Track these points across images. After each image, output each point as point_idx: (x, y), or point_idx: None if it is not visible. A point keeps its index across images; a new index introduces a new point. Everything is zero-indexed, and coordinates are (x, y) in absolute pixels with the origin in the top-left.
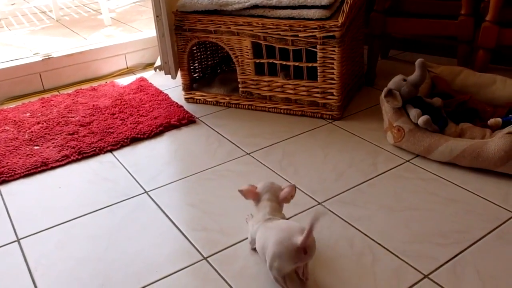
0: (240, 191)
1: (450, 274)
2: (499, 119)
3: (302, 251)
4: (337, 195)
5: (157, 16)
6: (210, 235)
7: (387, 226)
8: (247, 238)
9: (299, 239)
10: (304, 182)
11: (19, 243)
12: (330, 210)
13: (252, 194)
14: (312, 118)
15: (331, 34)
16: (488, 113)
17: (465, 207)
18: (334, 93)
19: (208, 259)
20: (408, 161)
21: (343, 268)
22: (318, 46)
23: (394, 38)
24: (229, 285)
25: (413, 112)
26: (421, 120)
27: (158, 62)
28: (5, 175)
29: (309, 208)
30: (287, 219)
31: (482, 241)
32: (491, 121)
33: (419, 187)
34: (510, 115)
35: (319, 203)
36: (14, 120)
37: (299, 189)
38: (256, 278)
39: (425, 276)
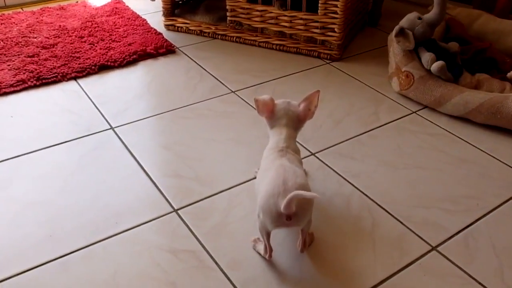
0: (256, 100)
1: (461, 246)
2: None
3: (284, 217)
4: (333, 145)
5: None
6: (183, 183)
7: (389, 186)
8: (226, 190)
9: (282, 203)
10: None
11: None
12: (324, 163)
13: (269, 110)
14: (308, 56)
15: None
16: (508, 65)
17: (478, 169)
18: (336, 29)
19: (179, 211)
20: (415, 112)
21: (338, 231)
22: None
23: None
24: (200, 243)
25: (426, 56)
26: (435, 66)
27: None
28: None
29: (302, 158)
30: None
31: (498, 210)
32: (511, 73)
33: (426, 142)
34: None
35: (312, 154)
36: None
37: None
38: (233, 237)
39: (433, 248)
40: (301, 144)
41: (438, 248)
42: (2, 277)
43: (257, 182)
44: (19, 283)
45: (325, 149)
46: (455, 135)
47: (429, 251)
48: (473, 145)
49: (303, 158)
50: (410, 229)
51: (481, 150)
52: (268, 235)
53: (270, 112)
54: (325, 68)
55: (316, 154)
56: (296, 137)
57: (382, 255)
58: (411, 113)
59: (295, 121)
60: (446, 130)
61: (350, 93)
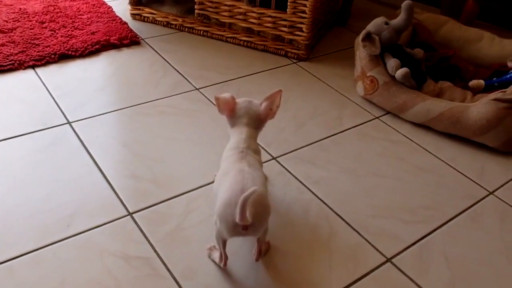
0: (217, 98)
1: (415, 258)
2: (482, 81)
3: (240, 227)
4: (295, 150)
5: None
6: (140, 184)
7: (348, 194)
8: (184, 193)
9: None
10: None
11: None
12: (285, 168)
13: (229, 108)
14: (275, 55)
15: None
16: (470, 73)
17: (437, 178)
18: (304, 29)
19: (133, 215)
20: (378, 117)
21: (294, 239)
22: None
23: None
24: (154, 250)
25: (391, 62)
26: (400, 72)
27: None
28: None
29: (263, 162)
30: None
31: (453, 221)
32: (473, 82)
33: (388, 150)
34: (494, 78)
35: (274, 158)
36: None
37: None
38: (188, 244)
39: (388, 260)
40: (262, 147)
41: (393, 260)
42: None
43: (215, 186)
44: None
45: (286, 153)
46: (416, 143)
47: (383, 263)
48: (433, 154)
49: (264, 163)
50: (367, 240)
51: (440, 159)
52: (224, 243)
53: (230, 111)
54: (292, 68)
55: (277, 159)
56: (257, 137)
57: (338, 265)
58: (374, 119)
59: (256, 121)
60: (407, 138)
61: (315, 96)
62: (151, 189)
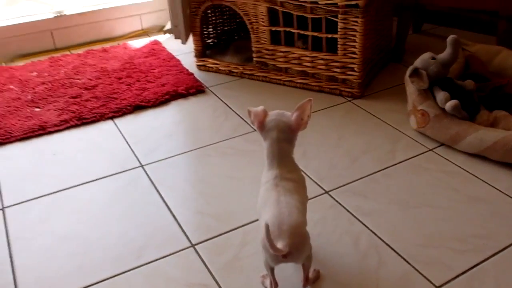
0: (249, 111)
1: (465, 287)
2: None
3: (280, 256)
4: (347, 184)
5: None
6: (202, 219)
7: (399, 224)
8: (241, 227)
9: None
10: (312, 166)
11: (3, 212)
12: (336, 201)
13: (259, 120)
14: (330, 94)
15: (354, 2)
16: None
17: (491, 208)
18: (355, 69)
19: (196, 246)
20: (431, 149)
21: (343, 268)
22: (339, 16)
23: (428, 10)
24: (214, 278)
25: (440, 95)
26: (449, 105)
27: (168, 25)
28: (1, 137)
29: (315, 197)
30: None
31: (507, 250)
32: None
33: (441, 181)
34: None
35: (326, 192)
36: (20, 79)
37: (306, 174)
38: (245, 273)
39: None
40: (315, 182)
41: None
42: None
43: (258, 210)
44: None
45: (338, 187)
46: (470, 173)
47: None
48: (488, 183)
49: (316, 197)
50: (416, 268)
51: (496, 188)
52: (272, 270)
53: (260, 123)
54: (346, 106)
55: (329, 192)
56: (292, 152)
57: None
58: (428, 151)
59: (287, 132)
60: (462, 168)
61: (368, 131)
62: (212, 223)
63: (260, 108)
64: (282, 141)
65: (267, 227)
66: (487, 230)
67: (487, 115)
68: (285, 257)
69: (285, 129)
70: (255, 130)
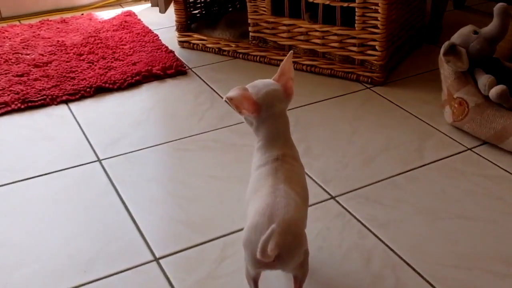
0: (229, 99)
1: None
2: None
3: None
4: (359, 188)
5: None
6: (171, 227)
7: (423, 239)
8: (220, 237)
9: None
10: (317, 165)
11: None
12: (345, 208)
13: (250, 103)
14: (345, 80)
15: None
16: None
17: None
18: (377, 47)
19: (160, 260)
20: (470, 149)
21: None
22: None
23: None
24: None
25: (483, 79)
26: (495, 91)
27: None
28: None
29: (318, 203)
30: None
31: None
32: None
33: (480, 187)
34: None
35: (332, 197)
36: None
37: (308, 175)
38: None
39: None
40: (319, 185)
41: None
42: None
43: (247, 200)
44: None
45: (348, 192)
46: None
47: None
48: None
49: (320, 202)
50: None
51: None
52: (255, 283)
53: (254, 105)
54: (363, 93)
55: (336, 198)
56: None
57: None
58: (465, 150)
59: (285, 101)
60: (508, 172)
61: (390, 125)
62: (183, 232)
63: (239, 88)
64: (284, 114)
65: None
66: None
67: None
68: (273, 260)
69: (282, 98)
70: (245, 121)
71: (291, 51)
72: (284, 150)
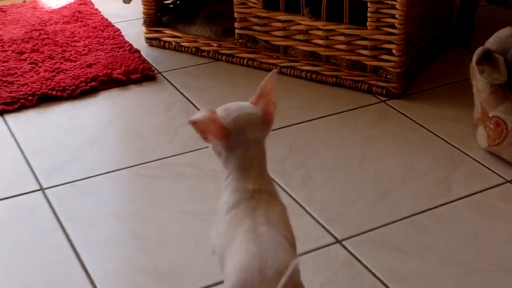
0: (194, 123)
1: None
2: None
3: None
4: (372, 229)
5: None
6: (134, 277)
7: None
8: None
9: None
10: (318, 199)
11: None
12: (354, 256)
13: (217, 127)
14: (354, 90)
15: None
16: None
17: None
18: (394, 51)
19: None
20: (510, 181)
21: None
22: None
23: None
24: None
25: None
26: None
27: None
28: None
29: (320, 248)
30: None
31: None
32: None
33: None
34: None
35: (338, 241)
36: None
37: (307, 212)
38: None
39: None
40: (321, 224)
41: None
42: None
43: (218, 253)
44: None
45: (358, 234)
46: None
47: None
48: None
49: (323, 248)
50: None
51: None
52: None
53: (221, 129)
54: (377, 108)
55: (343, 242)
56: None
57: None
58: (504, 183)
59: (262, 128)
60: None
61: (410, 149)
62: (148, 284)
63: (206, 110)
64: (260, 142)
65: None
66: None
67: None
68: None
69: (258, 123)
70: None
71: (274, 70)
72: (259, 184)
